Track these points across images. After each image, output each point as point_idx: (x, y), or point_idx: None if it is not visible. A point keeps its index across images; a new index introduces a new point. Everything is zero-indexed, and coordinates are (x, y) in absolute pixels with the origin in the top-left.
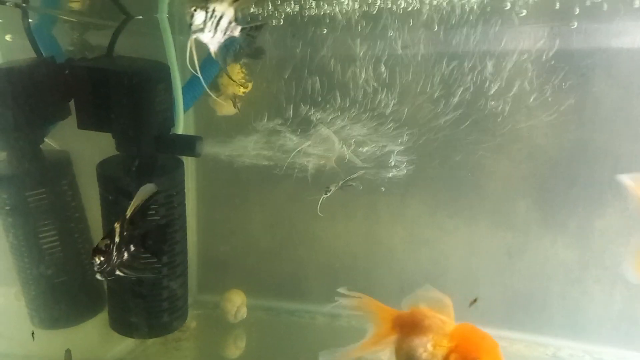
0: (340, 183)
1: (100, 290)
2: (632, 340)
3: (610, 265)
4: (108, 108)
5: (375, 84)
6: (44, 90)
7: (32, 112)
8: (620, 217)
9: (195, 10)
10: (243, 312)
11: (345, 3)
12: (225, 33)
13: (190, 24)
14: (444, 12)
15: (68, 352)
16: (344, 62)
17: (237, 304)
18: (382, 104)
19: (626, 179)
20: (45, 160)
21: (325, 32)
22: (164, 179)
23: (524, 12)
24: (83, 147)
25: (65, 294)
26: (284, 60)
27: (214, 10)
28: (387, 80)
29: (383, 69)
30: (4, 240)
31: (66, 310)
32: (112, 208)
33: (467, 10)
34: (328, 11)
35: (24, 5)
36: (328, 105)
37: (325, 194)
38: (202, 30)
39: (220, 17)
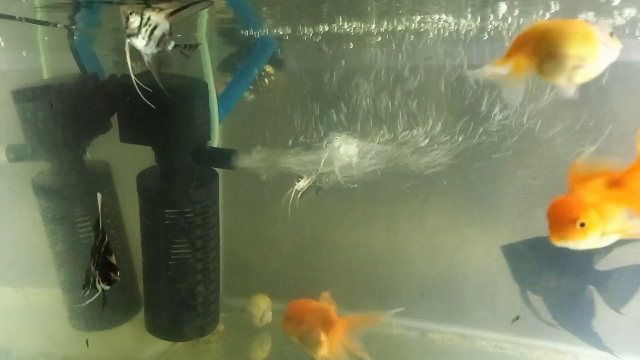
0: (313, 176)
1: (137, 294)
2: None
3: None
4: (149, 123)
5: (396, 96)
6: (89, 105)
7: (79, 126)
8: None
9: (131, 14)
10: (268, 316)
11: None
12: (158, 44)
13: (126, 27)
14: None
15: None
16: (365, 75)
17: (262, 308)
18: (403, 116)
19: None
20: (88, 171)
21: (351, 46)
22: (201, 190)
23: None
24: (123, 158)
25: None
26: (310, 74)
27: (149, 19)
28: (406, 93)
29: (404, 80)
30: (49, 246)
31: (104, 313)
32: (150, 217)
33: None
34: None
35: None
36: (349, 115)
37: (297, 182)
38: (136, 35)
39: (155, 27)
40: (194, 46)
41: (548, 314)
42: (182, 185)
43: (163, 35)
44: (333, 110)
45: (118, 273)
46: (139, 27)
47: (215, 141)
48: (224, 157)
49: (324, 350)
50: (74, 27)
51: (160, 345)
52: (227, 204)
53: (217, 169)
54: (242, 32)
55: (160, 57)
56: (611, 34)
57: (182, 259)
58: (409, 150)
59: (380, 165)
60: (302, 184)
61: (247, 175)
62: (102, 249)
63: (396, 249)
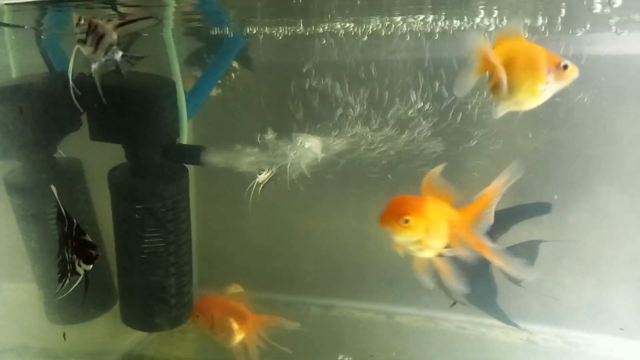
0: (274, 169)
1: (111, 287)
2: (600, 325)
3: (581, 256)
4: (119, 121)
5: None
6: (58, 104)
7: (49, 125)
8: (589, 211)
9: (80, 20)
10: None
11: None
12: (106, 53)
13: (76, 33)
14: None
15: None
16: (336, 73)
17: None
18: (370, 110)
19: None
20: (60, 169)
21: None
22: (171, 185)
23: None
24: (93, 154)
25: (79, 292)
26: (277, 71)
27: (96, 27)
28: (373, 88)
29: (370, 76)
30: (23, 243)
31: (80, 307)
32: (122, 213)
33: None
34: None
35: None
36: (320, 113)
37: (259, 174)
38: (84, 42)
39: (102, 36)
40: (140, 57)
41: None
42: (152, 181)
43: (110, 45)
44: (299, 105)
45: (97, 249)
46: (86, 34)
47: (184, 138)
48: (193, 153)
49: (237, 339)
50: (41, 27)
51: (136, 335)
52: (199, 197)
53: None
54: (210, 31)
55: (107, 65)
56: (565, 67)
57: (155, 253)
58: (375, 142)
59: (345, 158)
60: (263, 177)
61: (219, 170)
62: (74, 232)
63: (365, 237)
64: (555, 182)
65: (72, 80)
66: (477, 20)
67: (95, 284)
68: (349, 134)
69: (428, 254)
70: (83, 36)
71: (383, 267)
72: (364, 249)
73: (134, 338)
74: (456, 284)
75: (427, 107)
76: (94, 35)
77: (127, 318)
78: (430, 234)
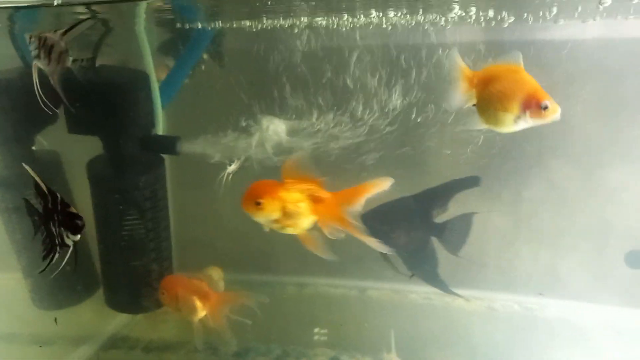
0: (242, 159)
1: (94, 273)
2: (553, 290)
3: (537, 228)
4: (95, 114)
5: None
6: (35, 99)
7: (27, 120)
8: (544, 186)
9: (31, 37)
10: (221, 286)
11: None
12: (58, 63)
13: (31, 51)
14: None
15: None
16: (306, 65)
17: (215, 279)
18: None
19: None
20: (38, 162)
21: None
22: (148, 175)
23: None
24: (71, 146)
25: (63, 279)
26: (249, 64)
27: (45, 39)
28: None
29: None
30: (7, 234)
31: (65, 293)
32: (102, 203)
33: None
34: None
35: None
36: (290, 104)
37: (229, 165)
38: (38, 57)
39: (52, 47)
40: (91, 59)
41: (403, 266)
42: (130, 171)
43: (60, 53)
44: (270, 95)
45: (82, 219)
46: (38, 48)
47: (160, 129)
48: (168, 143)
49: (199, 315)
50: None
51: (121, 318)
52: (176, 185)
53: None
54: (178, 25)
55: (63, 74)
56: (545, 107)
57: (135, 240)
58: (342, 129)
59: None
60: (233, 167)
61: (193, 157)
62: (59, 205)
63: None
64: (513, 160)
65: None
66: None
67: (79, 271)
68: (318, 122)
69: (293, 231)
70: (36, 51)
71: (353, 244)
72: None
73: (119, 320)
74: (325, 255)
75: (392, 96)
76: (45, 47)
77: (111, 302)
78: (286, 214)
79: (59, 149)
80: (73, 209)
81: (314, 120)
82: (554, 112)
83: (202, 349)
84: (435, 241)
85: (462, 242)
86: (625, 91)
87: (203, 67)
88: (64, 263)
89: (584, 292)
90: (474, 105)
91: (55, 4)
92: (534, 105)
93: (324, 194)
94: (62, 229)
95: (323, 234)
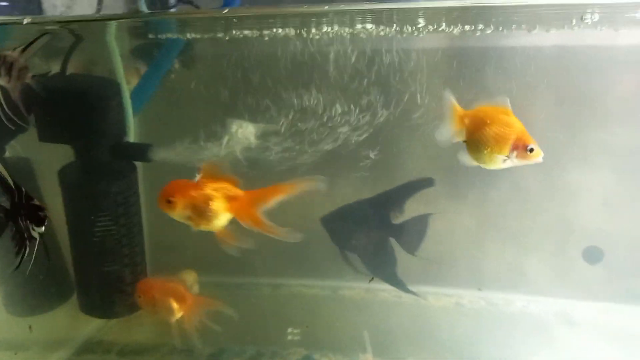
0: None
1: (68, 279)
2: (517, 286)
3: (502, 227)
4: (66, 122)
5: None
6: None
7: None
8: (508, 187)
9: None
10: (195, 289)
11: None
12: (18, 79)
13: None
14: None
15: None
16: (276, 72)
17: (190, 281)
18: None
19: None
20: (9, 169)
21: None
22: (120, 182)
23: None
24: (43, 153)
25: (37, 286)
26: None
27: (5, 57)
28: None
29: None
30: None
31: (39, 299)
32: (74, 210)
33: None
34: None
35: None
36: (259, 109)
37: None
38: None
39: (12, 64)
40: (47, 74)
41: (363, 266)
42: (102, 179)
43: (20, 70)
44: (240, 103)
45: (45, 210)
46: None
47: (132, 136)
48: (140, 151)
49: (175, 317)
50: None
51: (96, 323)
52: (148, 191)
53: None
54: (151, 35)
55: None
56: (531, 150)
57: (108, 245)
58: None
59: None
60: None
61: (165, 164)
62: (24, 200)
63: (310, 219)
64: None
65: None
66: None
67: (53, 277)
68: (288, 125)
69: (207, 228)
70: None
71: (326, 245)
72: (308, 231)
73: (93, 326)
74: (241, 247)
75: (362, 101)
76: (5, 65)
77: (85, 307)
78: (198, 212)
79: (31, 156)
80: (36, 202)
81: (283, 124)
82: (538, 155)
83: (179, 349)
84: (393, 242)
85: (418, 242)
86: (582, 96)
87: (173, 75)
88: (33, 257)
89: (546, 287)
90: (464, 141)
91: (24, 22)
92: (521, 148)
93: (237, 193)
94: (28, 222)
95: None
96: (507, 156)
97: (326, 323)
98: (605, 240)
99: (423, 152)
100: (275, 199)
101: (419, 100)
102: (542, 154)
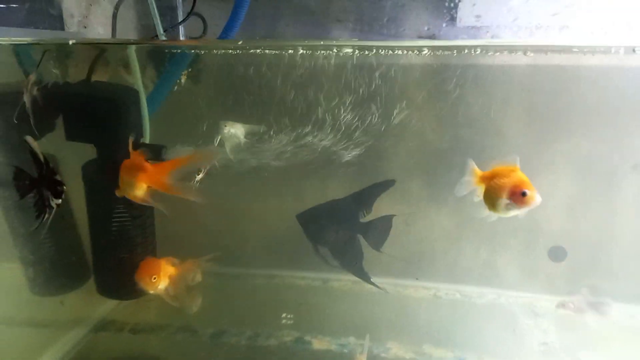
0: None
1: (86, 265)
2: (490, 281)
3: (477, 228)
4: (91, 124)
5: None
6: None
7: (30, 128)
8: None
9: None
10: (198, 277)
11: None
12: (30, 92)
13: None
14: None
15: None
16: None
17: (193, 271)
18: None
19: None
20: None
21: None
22: None
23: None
24: (68, 151)
25: (59, 269)
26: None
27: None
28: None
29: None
30: (10, 229)
31: (60, 281)
32: (95, 202)
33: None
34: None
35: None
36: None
37: (197, 175)
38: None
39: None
40: (46, 85)
41: (334, 260)
42: None
43: (31, 85)
44: (241, 109)
45: (63, 185)
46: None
47: (147, 138)
48: (155, 151)
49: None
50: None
51: (109, 304)
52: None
53: None
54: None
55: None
56: (523, 194)
57: (124, 234)
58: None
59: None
60: (200, 176)
61: None
62: (48, 173)
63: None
64: (458, 169)
65: (49, 87)
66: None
67: (73, 262)
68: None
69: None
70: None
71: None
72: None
73: (107, 306)
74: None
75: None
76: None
77: (102, 289)
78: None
79: (57, 153)
80: (58, 177)
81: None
82: (533, 198)
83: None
84: (360, 238)
85: (383, 240)
86: (550, 110)
87: (182, 82)
88: (48, 223)
89: (514, 282)
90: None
91: (70, 42)
92: (517, 194)
93: (147, 166)
94: (49, 192)
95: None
96: (508, 203)
97: (316, 310)
98: (569, 241)
99: (408, 158)
100: (178, 169)
101: (404, 111)
102: (537, 197)
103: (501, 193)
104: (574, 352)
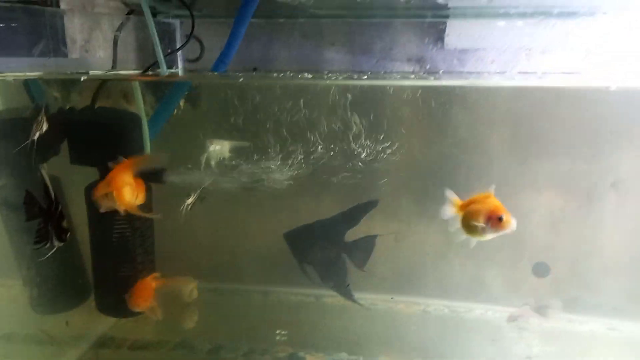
0: (198, 192)
1: (86, 283)
2: (478, 296)
3: (465, 244)
4: (94, 149)
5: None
6: (44, 134)
7: (36, 152)
8: None
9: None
10: (195, 294)
11: None
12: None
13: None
14: None
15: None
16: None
17: (189, 287)
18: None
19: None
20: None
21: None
22: None
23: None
24: (71, 174)
25: (61, 288)
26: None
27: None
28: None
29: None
30: (14, 249)
31: (61, 299)
32: (97, 223)
33: None
34: None
35: None
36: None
37: (187, 199)
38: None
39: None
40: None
41: (318, 278)
42: None
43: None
44: (236, 134)
45: (68, 234)
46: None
47: None
48: (156, 174)
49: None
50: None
51: (108, 321)
52: (158, 208)
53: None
54: None
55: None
56: (500, 219)
57: (125, 252)
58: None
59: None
60: (190, 199)
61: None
62: (57, 214)
63: None
64: (446, 184)
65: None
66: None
67: (73, 280)
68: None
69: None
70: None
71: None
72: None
73: (106, 324)
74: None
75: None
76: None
77: (102, 306)
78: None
79: (61, 175)
80: (65, 224)
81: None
82: (509, 222)
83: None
84: (345, 257)
85: (366, 258)
86: (534, 131)
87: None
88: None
89: (500, 297)
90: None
91: (82, 79)
92: (494, 218)
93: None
94: (53, 232)
95: None
96: (484, 227)
97: (310, 326)
98: (551, 255)
99: (399, 176)
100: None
101: (392, 132)
102: (513, 221)
103: (478, 218)
104: None
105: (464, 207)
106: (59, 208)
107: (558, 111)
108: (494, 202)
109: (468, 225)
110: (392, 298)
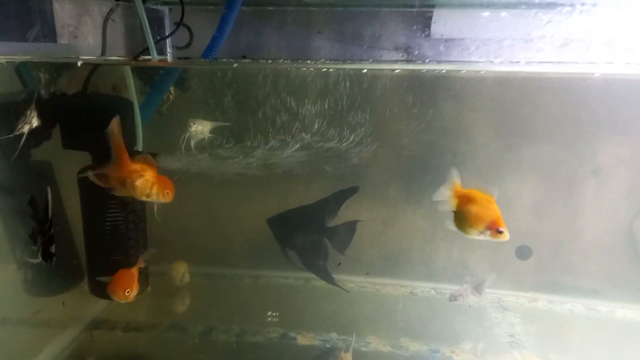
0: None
1: (79, 266)
2: (462, 278)
3: (451, 229)
4: (87, 134)
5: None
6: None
7: (27, 137)
8: None
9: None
10: (187, 278)
11: None
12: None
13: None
14: None
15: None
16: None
17: (181, 271)
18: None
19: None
20: (34, 170)
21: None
22: None
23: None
24: (63, 158)
25: (54, 271)
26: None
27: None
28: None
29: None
30: (5, 233)
31: (54, 282)
32: (90, 207)
33: None
34: None
35: None
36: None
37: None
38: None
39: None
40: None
41: (299, 262)
42: None
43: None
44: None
45: (53, 258)
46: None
47: (140, 146)
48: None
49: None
50: None
51: (100, 304)
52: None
53: None
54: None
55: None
56: (499, 232)
57: (117, 237)
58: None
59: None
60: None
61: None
62: (47, 234)
63: None
64: (431, 172)
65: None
66: None
67: (66, 264)
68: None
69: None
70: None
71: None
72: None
73: (98, 306)
74: None
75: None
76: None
77: (94, 289)
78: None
79: (53, 160)
80: (52, 249)
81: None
82: (505, 236)
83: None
84: (326, 242)
85: (347, 243)
86: (517, 119)
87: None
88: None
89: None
90: (452, 211)
91: (79, 64)
92: (494, 229)
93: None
94: (41, 247)
95: None
96: (481, 231)
97: (300, 308)
98: (534, 240)
99: (385, 162)
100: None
101: (380, 120)
102: (508, 236)
103: (478, 223)
104: (538, 343)
105: (462, 197)
106: (51, 231)
107: (541, 99)
108: (496, 210)
109: (463, 221)
110: (367, 274)
